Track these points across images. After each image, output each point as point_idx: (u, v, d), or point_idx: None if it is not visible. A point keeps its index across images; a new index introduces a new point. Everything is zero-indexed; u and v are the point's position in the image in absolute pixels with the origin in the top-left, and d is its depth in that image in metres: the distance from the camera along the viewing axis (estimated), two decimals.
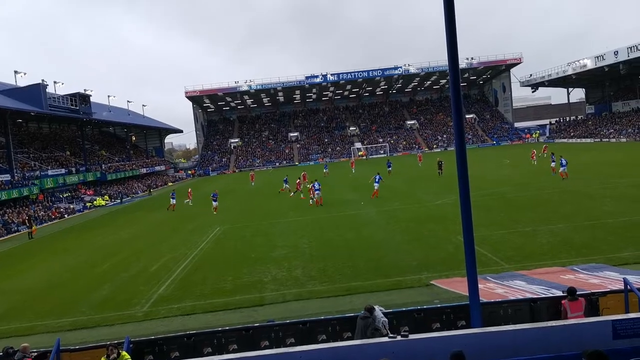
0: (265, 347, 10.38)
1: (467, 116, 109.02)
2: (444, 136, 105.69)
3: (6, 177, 48.13)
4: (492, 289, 12.96)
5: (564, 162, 35.43)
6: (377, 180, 36.23)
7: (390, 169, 52.88)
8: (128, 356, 8.69)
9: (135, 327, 13.59)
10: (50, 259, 26.60)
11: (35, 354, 9.71)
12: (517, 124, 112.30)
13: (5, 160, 50.99)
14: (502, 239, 19.30)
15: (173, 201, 41.35)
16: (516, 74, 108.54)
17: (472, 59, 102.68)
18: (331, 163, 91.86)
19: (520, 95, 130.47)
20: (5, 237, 38.03)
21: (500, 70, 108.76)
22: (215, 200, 36.68)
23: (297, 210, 33.74)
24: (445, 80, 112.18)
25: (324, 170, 62.08)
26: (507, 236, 19.79)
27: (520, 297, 11.87)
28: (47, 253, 28.70)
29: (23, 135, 65.78)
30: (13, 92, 55.07)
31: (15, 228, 41.18)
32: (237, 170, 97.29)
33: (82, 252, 27.36)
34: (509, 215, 24.13)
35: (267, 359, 8.53)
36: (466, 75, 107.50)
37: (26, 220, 39.76)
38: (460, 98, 9.36)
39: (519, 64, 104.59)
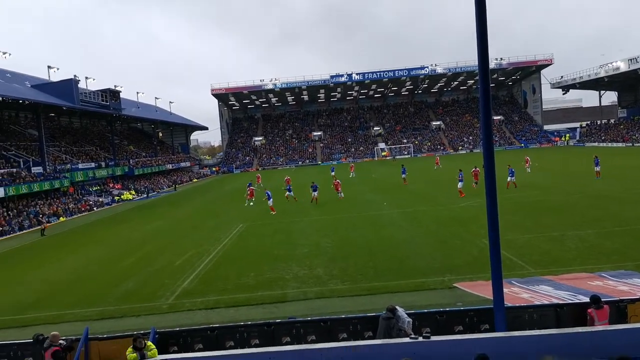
0: (286, 343, 10.45)
1: (494, 118, 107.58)
2: (470, 138, 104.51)
3: (39, 169, 49.39)
4: (517, 294, 12.78)
5: (597, 161, 37.77)
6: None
7: (404, 175, 46.54)
8: (153, 346, 8.87)
9: (160, 319, 13.83)
10: (78, 250, 27.23)
11: (64, 342, 9.97)
12: (546, 127, 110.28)
13: (38, 153, 52.29)
14: (528, 243, 19.01)
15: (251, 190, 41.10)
16: (547, 75, 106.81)
17: (501, 59, 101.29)
18: (354, 163, 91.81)
19: (550, 97, 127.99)
20: (37, 228, 39.04)
21: (530, 71, 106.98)
22: (315, 191, 36.84)
23: (319, 209, 33.80)
24: (473, 81, 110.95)
25: (332, 173, 55.87)
26: (534, 240, 19.48)
27: (546, 302, 11.69)
28: (75, 245, 29.38)
29: (55, 129, 67.37)
30: (46, 86, 56.43)
31: (47, 219, 42.23)
32: (260, 169, 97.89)
33: (109, 245, 27.95)
34: (536, 219, 23.75)
35: (288, 355, 8.61)
36: (495, 76, 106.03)
37: (40, 218, 40.43)
38: (490, 99, 9.26)
39: (549, 65, 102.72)
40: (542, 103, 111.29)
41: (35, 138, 55.78)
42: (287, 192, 39.63)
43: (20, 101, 49.07)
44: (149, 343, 8.93)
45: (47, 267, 23.31)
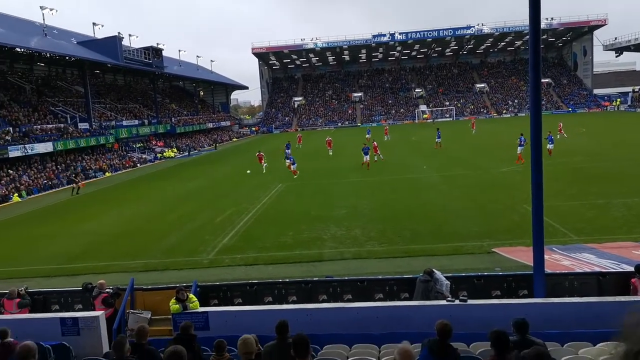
0: (323, 301, 10.65)
1: (542, 80, 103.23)
2: (515, 101, 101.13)
3: (85, 125, 50.93)
4: (558, 261, 12.57)
5: None
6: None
7: (439, 139, 44.89)
8: (195, 299, 9.19)
9: (201, 273, 14.31)
10: (123, 205, 28.23)
11: (112, 290, 10.47)
12: (596, 91, 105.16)
13: (84, 110, 53.79)
14: (572, 211, 18.51)
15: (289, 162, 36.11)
16: (599, 36, 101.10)
17: (552, 19, 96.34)
18: (392, 126, 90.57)
19: (602, 60, 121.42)
20: (83, 182, 40.59)
21: (582, 32, 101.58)
22: (366, 154, 34.68)
23: (358, 171, 33.73)
24: (521, 42, 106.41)
25: (367, 136, 53.74)
26: (578, 208, 18.96)
27: (588, 270, 11.46)
28: (120, 200, 30.46)
29: (100, 85, 68.92)
30: (91, 43, 57.38)
31: (93, 174, 43.84)
32: (299, 129, 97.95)
33: (153, 200, 28.85)
34: (581, 186, 23.05)
35: (324, 312, 8.78)
36: (545, 36, 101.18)
37: (72, 176, 38.81)
38: (540, 60, 8.92)
39: (603, 25, 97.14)
40: (593, 66, 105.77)
41: (81, 94, 57.28)
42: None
43: (67, 58, 50.24)
44: (191, 295, 9.26)
45: (94, 220, 24.28)
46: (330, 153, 44.49)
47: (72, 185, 35.57)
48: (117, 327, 9.64)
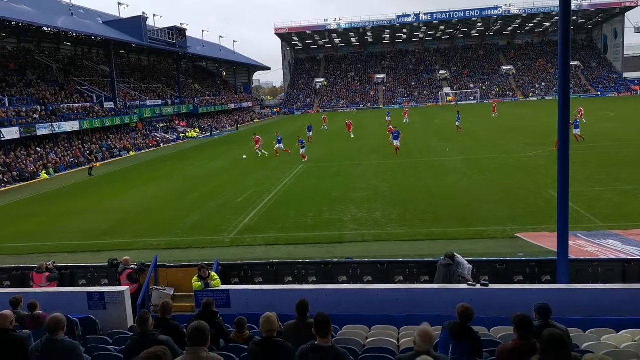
0: (343, 282, 10.71)
1: (571, 63, 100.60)
2: (542, 84, 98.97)
3: (110, 105, 51.56)
4: (582, 247, 12.39)
5: None
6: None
7: (459, 122, 44.07)
8: (217, 277, 9.33)
9: (222, 252, 14.48)
10: (147, 184, 28.66)
11: (136, 266, 10.69)
12: (626, 75, 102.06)
13: (110, 89, 54.41)
14: (599, 196, 18.16)
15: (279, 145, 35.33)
16: (631, 18, 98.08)
17: (582, 0, 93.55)
18: (415, 108, 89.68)
19: (633, 43, 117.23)
20: (109, 161, 41.31)
21: (613, 13, 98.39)
22: (396, 139, 32.94)
23: (379, 153, 33.56)
24: (550, 23, 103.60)
25: (387, 118, 53.37)
26: (605, 193, 18.58)
27: (613, 257, 11.28)
28: (144, 178, 30.91)
29: (125, 65, 69.52)
30: (116, 23, 57.76)
31: (118, 153, 44.54)
32: (320, 110, 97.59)
33: (176, 179, 29.21)
34: (609, 171, 22.54)
35: (344, 293, 8.84)
36: (574, 18, 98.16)
37: (88, 155, 39.02)
38: (569, 43, 8.71)
39: (635, 7, 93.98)
40: (624, 49, 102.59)
41: (106, 74, 57.89)
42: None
43: (93, 37, 50.73)
44: (213, 273, 9.41)
45: (119, 198, 24.73)
46: (352, 136, 44.18)
47: (88, 166, 35.30)
48: (141, 302, 9.86)
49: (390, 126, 38.80)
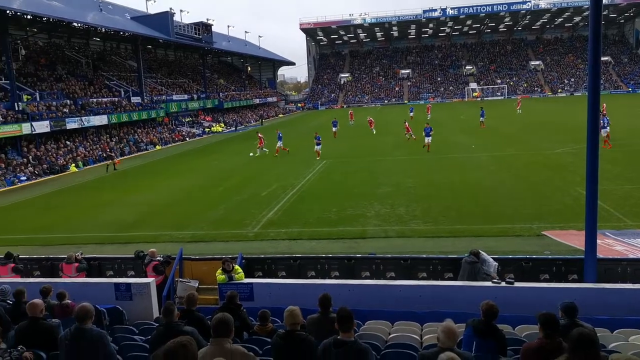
0: (366, 278, 10.71)
1: (601, 59, 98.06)
2: (571, 80, 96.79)
3: (137, 99, 52.38)
4: (611, 246, 12.14)
5: None
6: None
7: (483, 118, 43.57)
8: (241, 270, 9.43)
9: (246, 245, 14.59)
10: (173, 177, 29.03)
11: (162, 258, 10.86)
12: None
13: (137, 84, 55.25)
14: (628, 195, 17.72)
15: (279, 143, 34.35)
16: None
17: None
18: (441, 104, 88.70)
19: None
20: (135, 155, 42.02)
21: None
22: (428, 135, 31.57)
23: (403, 149, 33.35)
24: (580, 18, 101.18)
25: (410, 114, 53.83)
26: (634, 192, 18.11)
27: None
28: (170, 172, 31.33)
29: (152, 60, 70.48)
30: (144, 19, 58.61)
31: (144, 147, 45.24)
32: (345, 106, 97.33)
33: (201, 173, 29.56)
34: (639, 169, 21.96)
35: (367, 289, 8.84)
36: (606, 12, 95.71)
37: (109, 152, 37.80)
38: (600, 38, 8.52)
39: None
40: None
41: (134, 69, 58.77)
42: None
43: (121, 33, 51.53)
44: (237, 267, 9.50)
45: (145, 191, 25.14)
46: (374, 132, 43.79)
47: (106, 162, 34.58)
48: (167, 294, 10.02)
49: (406, 126, 38.20)
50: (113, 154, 36.48)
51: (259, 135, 36.50)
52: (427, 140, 31.48)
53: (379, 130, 44.40)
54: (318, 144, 31.62)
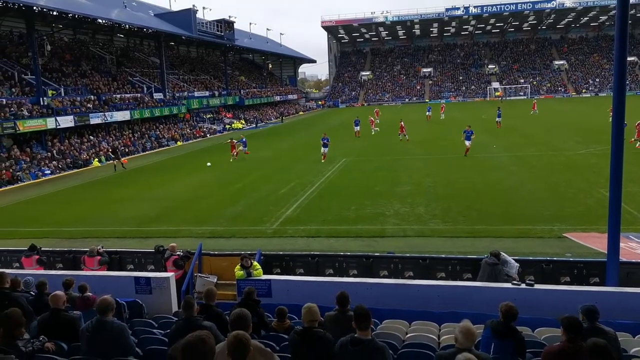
0: (384, 277, 10.68)
1: (628, 58, 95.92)
2: (596, 80, 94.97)
3: (159, 95, 52.94)
4: (634, 249, 11.90)
5: None
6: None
7: (499, 118, 42.90)
8: (259, 266, 9.49)
9: (264, 242, 14.69)
10: (193, 173, 29.31)
11: (181, 252, 10.99)
12: None
13: (159, 80, 55.84)
14: None
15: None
16: None
17: None
18: (462, 103, 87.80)
19: None
20: (157, 150, 42.53)
21: None
22: (468, 140, 29.20)
23: (422, 148, 33.14)
24: (606, 17, 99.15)
25: (427, 113, 54.16)
26: None
27: None
28: (190, 168, 31.60)
29: (174, 57, 71.16)
30: (167, 15, 59.17)
31: (166, 143, 45.74)
32: (365, 104, 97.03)
33: (221, 170, 29.80)
34: None
35: (385, 288, 8.83)
36: (632, 11, 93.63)
37: (110, 152, 36.21)
38: (626, 37, 8.38)
39: None
40: None
41: (156, 65, 59.39)
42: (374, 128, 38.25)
43: (145, 29, 52.12)
44: (255, 263, 9.56)
45: (165, 187, 25.40)
46: (378, 129, 43.81)
47: (112, 162, 33.31)
48: (186, 288, 10.14)
49: (402, 125, 37.59)
50: (117, 153, 33.97)
51: (232, 141, 34.73)
52: (467, 144, 28.91)
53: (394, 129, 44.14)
54: (325, 146, 29.89)
